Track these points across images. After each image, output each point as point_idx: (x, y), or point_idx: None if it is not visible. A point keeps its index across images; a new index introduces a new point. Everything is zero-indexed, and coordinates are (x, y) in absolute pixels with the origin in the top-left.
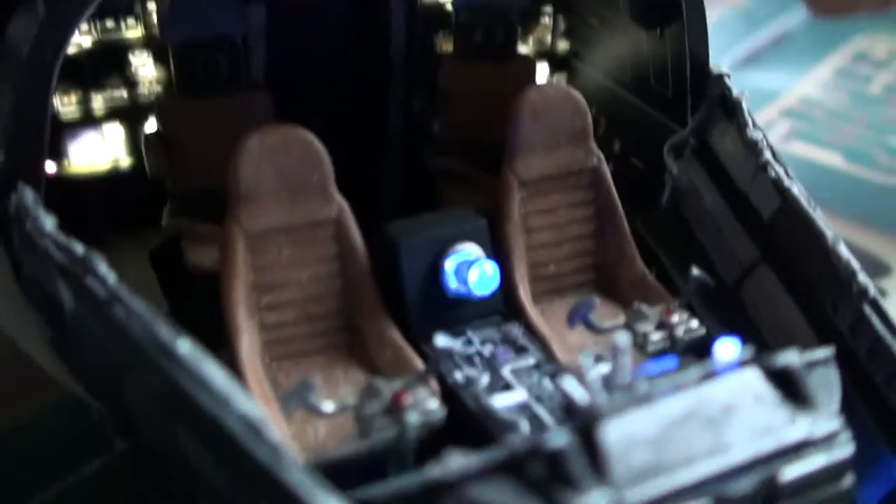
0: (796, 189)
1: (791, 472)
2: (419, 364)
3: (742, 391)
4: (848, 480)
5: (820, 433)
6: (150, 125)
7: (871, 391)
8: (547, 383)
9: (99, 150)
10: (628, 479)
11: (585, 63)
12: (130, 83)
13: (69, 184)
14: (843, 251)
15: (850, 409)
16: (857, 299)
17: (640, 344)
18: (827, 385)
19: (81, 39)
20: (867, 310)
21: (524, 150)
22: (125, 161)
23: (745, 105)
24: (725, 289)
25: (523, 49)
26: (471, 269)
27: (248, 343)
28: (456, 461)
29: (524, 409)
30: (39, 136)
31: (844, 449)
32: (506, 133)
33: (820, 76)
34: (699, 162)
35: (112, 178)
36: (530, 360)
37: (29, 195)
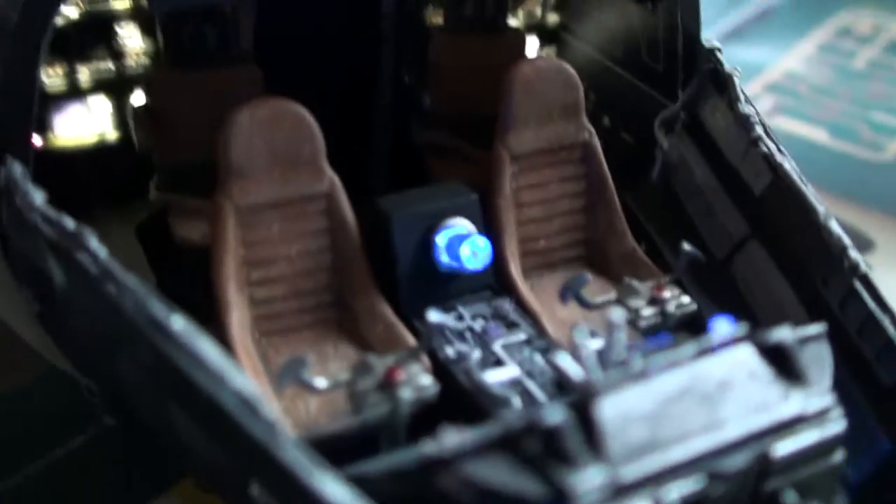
0: (788, 164)
1: (784, 447)
2: (410, 339)
3: (736, 368)
4: (839, 456)
5: (813, 409)
6: (138, 98)
7: (860, 366)
8: (538, 359)
9: (85, 123)
10: (624, 456)
11: (575, 36)
12: (117, 55)
13: (55, 157)
14: (835, 227)
15: (840, 385)
16: (848, 275)
17: (631, 320)
18: (819, 361)
19: (68, 10)
20: (858, 285)
21: (516, 124)
22: (112, 134)
23: (736, 80)
24: (716, 264)
25: (513, 22)
26: (463, 245)
27: (237, 318)
28: (451, 438)
29: (516, 384)
30: (28, 110)
31: (836, 425)
32: (498, 107)
33: (804, 51)
34: (690, 137)
35: (98, 152)
36: (521, 336)
37: (17, 169)
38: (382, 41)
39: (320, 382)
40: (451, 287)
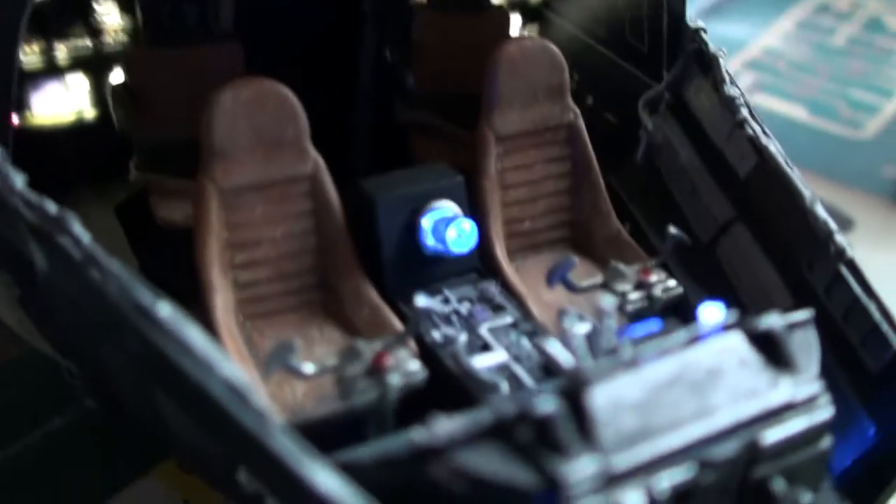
0: (773, 147)
1: (772, 435)
2: (396, 322)
3: (726, 355)
4: (826, 442)
5: (801, 396)
6: (116, 76)
7: (846, 352)
8: (525, 343)
9: (62, 102)
10: (616, 445)
11: (559, 14)
12: (95, 32)
13: (31, 136)
14: (821, 211)
15: (826, 370)
16: (834, 260)
17: (618, 304)
18: (807, 347)
19: None
20: (844, 270)
21: (501, 105)
22: (90, 112)
23: (722, 61)
24: (701, 246)
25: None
26: (449, 228)
27: (222, 302)
28: (442, 426)
29: (503, 369)
30: (6, 91)
31: (824, 411)
32: (483, 87)
33: (782, 28)
34: (674, 118)
35: (76, 130)
36: (508, 319)
37: None
38: (365, 19)
39: (308, 368)
40: (437, 270)
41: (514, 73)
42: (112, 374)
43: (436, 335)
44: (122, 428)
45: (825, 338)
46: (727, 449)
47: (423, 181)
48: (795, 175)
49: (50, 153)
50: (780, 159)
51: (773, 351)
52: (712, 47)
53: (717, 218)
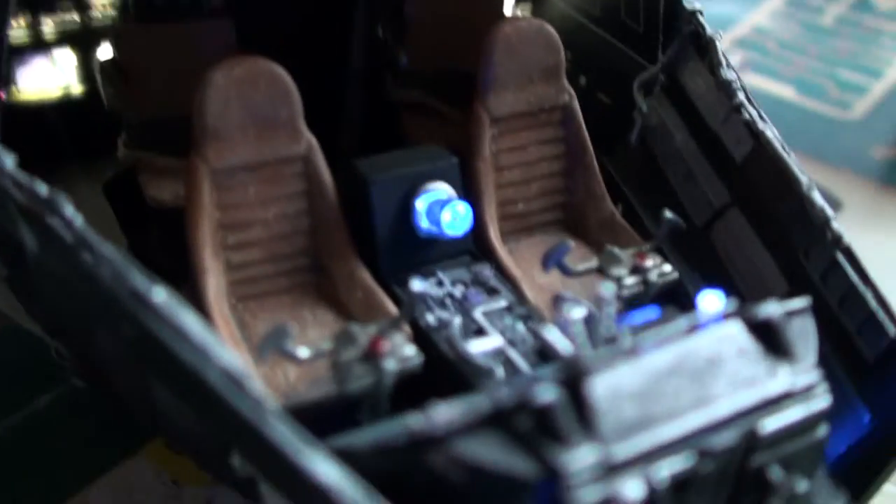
0: (770, 132)
1: (771, 423)
2: (390, 305)
3: (726, 344)
4: (822, 430)
5: (800, 385)
6: (105, 51)
7: (842, 339)
8: (520, 327)
9: (49, 77)
10: (616, 434)
11: None
12: (82, 6)
13: (17, 111)
14: (817, 198)
15: (821, 357)
16: (831, 247)
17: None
18: (804, 335)
19: None
20: (840, 257)
21: (497, 86)
22: (77, 88)
23: (718, 44)
24: (695, 231)
25: None
26: (444, 210)
27: (214, 284)
28: (440, 413)
29: (498, 353)
30: None
31: (822, 400)
32: (475, 65)
33: (772, 6)
34: (669, 100)
35: (63, 106)
36: (502, 303)
37: None
38: None
39: (303, 352)
40: (431, 252)
41: (509, 53)
42: (103, 357)
43: (430, 319)
44: (111, 407)
45: (821, 325)
46: (726, 438)
47: (418, 162)
48: (792, 161)
49: (36, 129)
50: (777, 145)
51: (771, 339)
52: (709, 30)
53: (713, 202)
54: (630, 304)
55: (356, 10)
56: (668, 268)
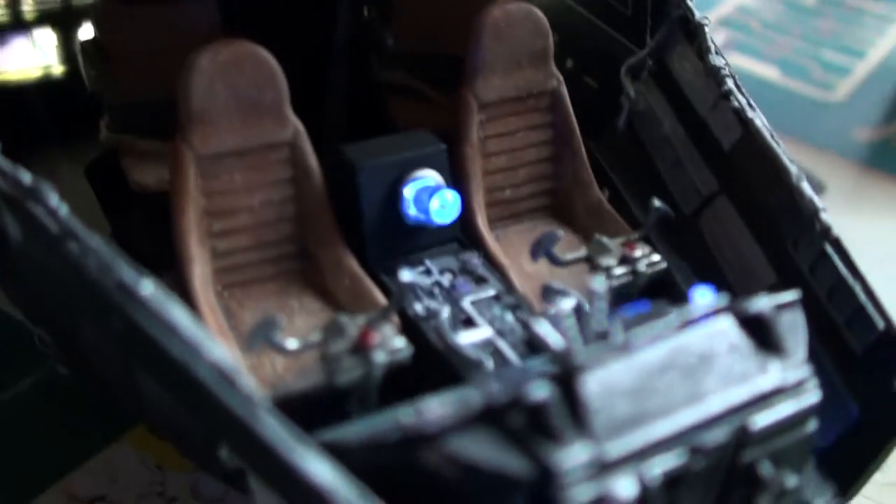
0: (759, 121)
1: (761, 420)
2: (377, 294)
3: (717, 339)
4: (811, 425)
5: (790, 381)
6: (86, 31)
7: (830, 331)
8: (509, 317)
9: (29, 57)
10: (609, 432)
11: None
12: None
13: None
14: (807, 188)
15: (809, 349)
16: (819, 238)
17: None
18: (794, 330)
19: None
20: (829, 249)
21: (485, 71)
22: (57, 69)
23: (707, 29)
24: (683, 218)
25: None
26: (432, 198)
27: (200, 272)
28: (433, 410)
29: (487, 344)
30: None
31: (812, 396)
32: (462, 47)
33: None
34: (657, 85)
35: (43, 87)
36: (490, 292)
37: None
38: None
39: (291, 344)
40: (418, 240)
41: (498, 38)
42: (88, 346)
43: (418, 308)
44: (94, 392)
45: (809, 317)
46: (718, 435)
47: (406, 148)
48: (781, 150)
49: (16, 110)
50: (766, 133)
51: (762, 334)
52: (698, 15)
53: (701, 190)
54: (619, 293)
55: None
56: (656, 257)
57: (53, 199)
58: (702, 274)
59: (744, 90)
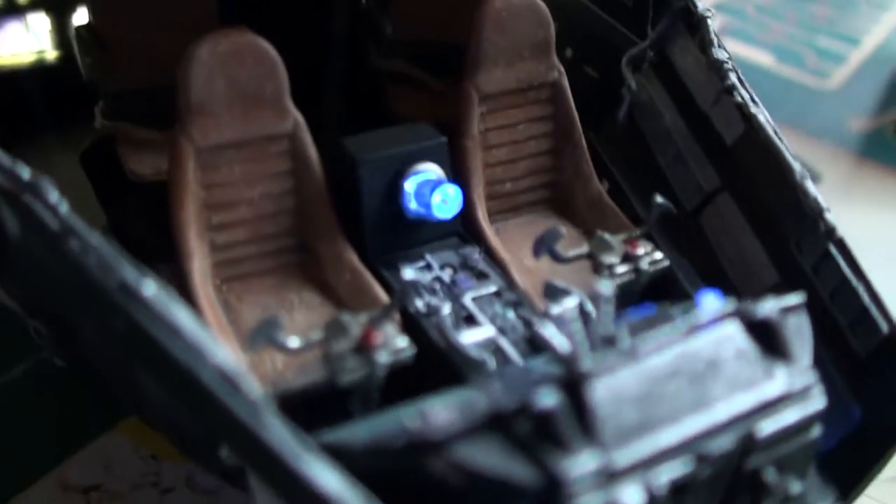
0: (762, 117)
1: (767, 426)
2: (377, 288)
3: (724, 346)
4: (816, 431)
5: (796, 387)
6: (80, 17)
7: (833, 333)
8: (510, 314)
9: (23, 42)
10: (617, 440)
11: None
12: None
13: None
14: (810, 187)
15: (813, 352)
16: (823, 238)
17: (604, 276)
18: (800, 334)
19: None
20: (833, 250)
21: (486, 62)
22: (51, 54)
23: (710, 22)
24: (684, 214)
25: None
26: (434, 192)
27: (199, 266)
28: (439, 416)
29: (489, 343)
30: None
31: (817, 402)
32: (462, 37)
33: None
34: (658, 77)
35: (37, 73)
36: (491, 288)
37: None
38: None
39: (293, 342)
40: (418, 234)
41: (499, 29)
42: (86, 342)
43: (420, 304)
44: (89, 382)
45: (813, 318)
46: (724, 442)
47: (406, 141)
48: (784, 147)
49: (9, 96)
50: (769, 129)
51: (768, 339)
52: (700, 7)
53: (703, 186)
54: (621, 291)
55: None
56: (658, 255)
57: (53, 195)
58: (703, 272)
59: (747, 84)
